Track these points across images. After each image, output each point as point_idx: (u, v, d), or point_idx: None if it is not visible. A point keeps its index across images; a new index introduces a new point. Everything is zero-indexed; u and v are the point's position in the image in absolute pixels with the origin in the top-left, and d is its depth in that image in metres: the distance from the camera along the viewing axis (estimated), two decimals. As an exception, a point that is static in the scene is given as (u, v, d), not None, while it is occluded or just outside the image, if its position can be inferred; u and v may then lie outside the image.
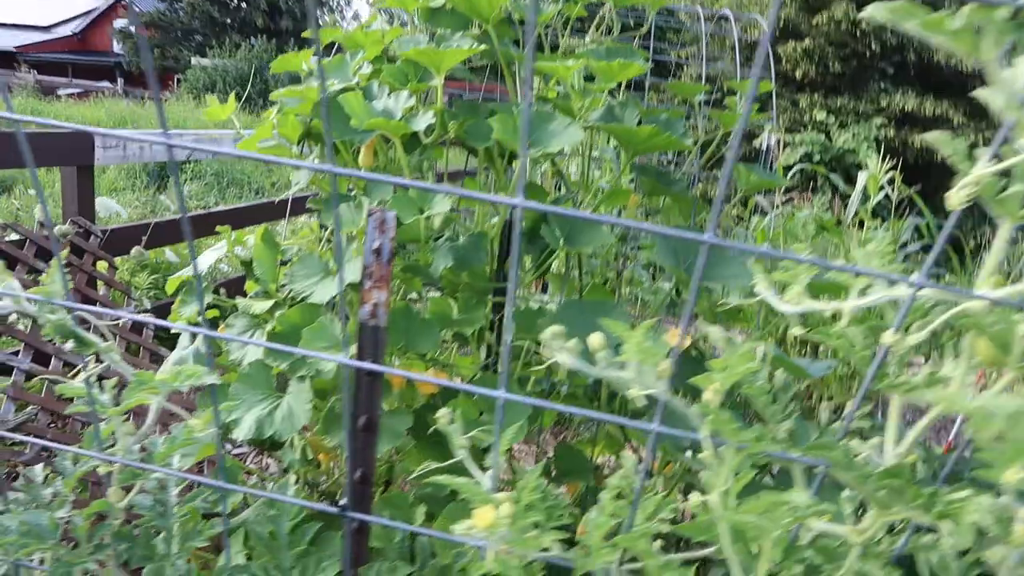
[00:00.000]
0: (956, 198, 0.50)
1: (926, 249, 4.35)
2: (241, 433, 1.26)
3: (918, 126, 10.22)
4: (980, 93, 0.52)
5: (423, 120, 1.28)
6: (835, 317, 0.69)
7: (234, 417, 1.27)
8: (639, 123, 1.45)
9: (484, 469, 0.71)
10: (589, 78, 1.48)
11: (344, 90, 1.37)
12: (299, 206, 2.45)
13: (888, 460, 0.59)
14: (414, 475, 0.91)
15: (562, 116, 1.32)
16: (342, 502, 0.70)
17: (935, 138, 0.52)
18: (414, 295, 1.71)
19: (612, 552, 0.62)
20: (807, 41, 10.63)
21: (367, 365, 0.63)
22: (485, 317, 1.48)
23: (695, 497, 0.66)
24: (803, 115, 10.05)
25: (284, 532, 0.77)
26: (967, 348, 0.54)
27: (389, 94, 1.36)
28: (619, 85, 1.57)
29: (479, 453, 1.48)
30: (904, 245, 3.88)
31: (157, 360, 2.15)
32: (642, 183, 1.57)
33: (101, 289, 2.31)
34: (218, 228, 1.46)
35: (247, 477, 1.72)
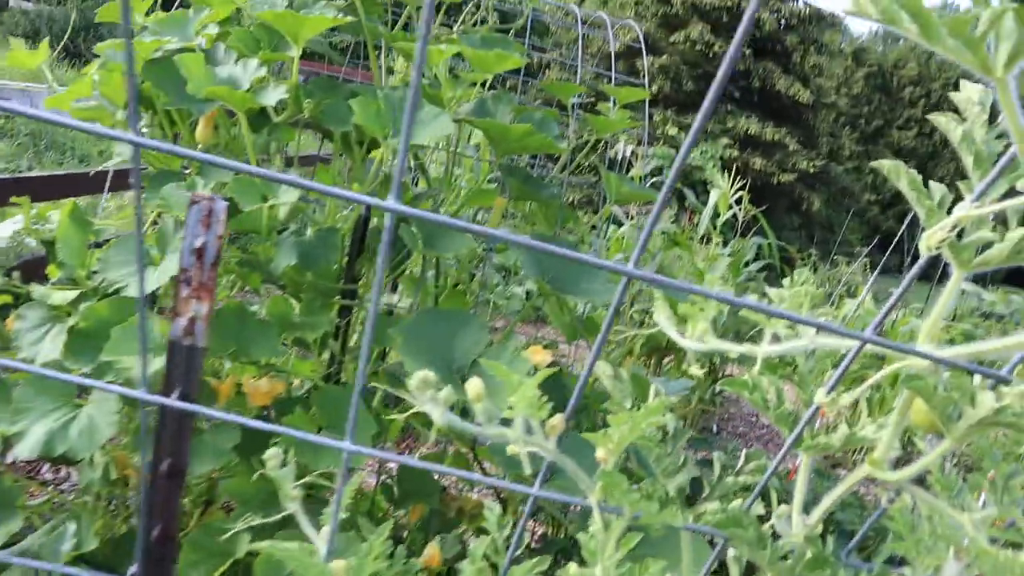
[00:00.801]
0: (934, 239, 0.42)
1: (767, 267, 4.56)
2: (25, 450, 1.05)
3: (759, 149, 10.85)
4: (938, 120, 0.45)
5: (274, 94, 1.12)
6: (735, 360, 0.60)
7: (16, 429, 1.06)
8: (512, 121, 1.35)
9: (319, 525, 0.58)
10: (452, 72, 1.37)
11: (183, 50, 1.18)
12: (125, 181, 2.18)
13: (796, 531, 0.51)
14: (231, 532, 0.75)
15: (431, 105, 1.19)
16: (132, 571, 0.55)
17: (890, 167, 0.44)
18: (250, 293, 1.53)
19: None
20: (664, 57, 11.02)
21: (173, 402, 0.48)
22: (330, 321, 1.33)
23: (574, 569, 0.56)
24: (656, 129, 10.41)
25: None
26: (899, 408, 0.48)
27: (236, 61, 1.18)
28: (490, 81, 1.47)
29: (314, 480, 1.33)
30: (747, 264, 4.04)
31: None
32: (509, 185, 1.47)
33: None
34: (13, 199, 1.22)
35: (33, 495, 1.48)
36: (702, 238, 4.46)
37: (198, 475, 1.32)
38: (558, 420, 0.46)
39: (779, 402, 0.51)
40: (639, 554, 0.59)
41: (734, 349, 0.53)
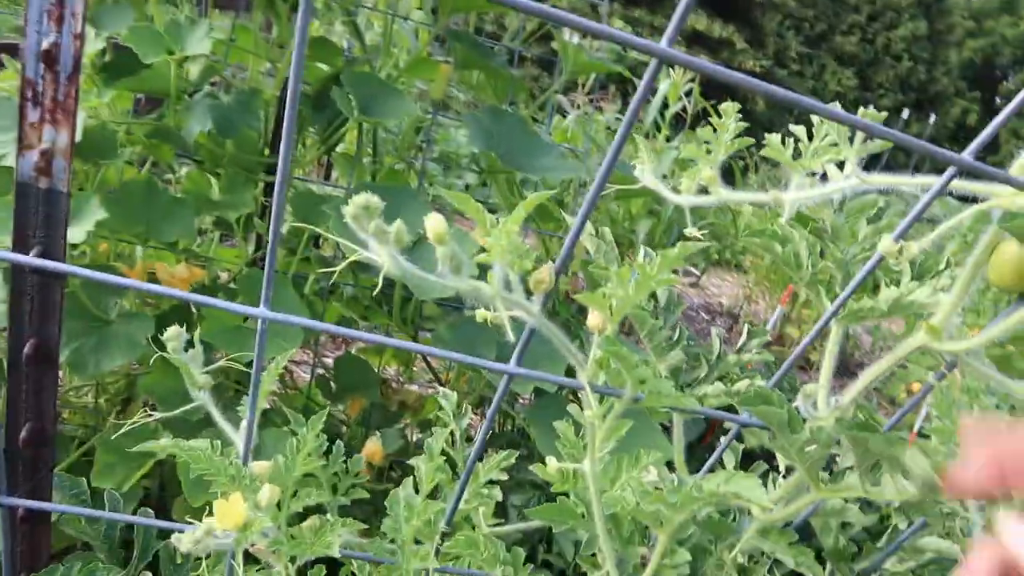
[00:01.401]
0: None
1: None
2: None
3: (706, 46, 10.64)
4: None
5: (172, -80, 0.94)
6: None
7: None
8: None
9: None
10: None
11: None
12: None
13: (823, 413, 0.42)
14: (127, 427, 0.64)
15: (366, -54, 1.03)
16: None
17: None
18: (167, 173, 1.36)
19: (427, 555, 0.41)
20: (610, -53, 10.59)
21: (32, 260, 0.35)
22: (255, 200, 1.19)
23: (554, 463, 0.46)
24: (601, 21, 10.10)
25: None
26: (972, 263, 0.38)
27: None
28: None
29: (241, 374, 1.22)
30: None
31: None
32: (455, 51, 1.32)
33: None
34: None
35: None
36: (647, 133, 4.31)
37: (112, 371, 1.20)
38: (546, 272, 0.35)
39: (813, 260, 0.42)
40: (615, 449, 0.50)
41: (754, 198, 0.42)
